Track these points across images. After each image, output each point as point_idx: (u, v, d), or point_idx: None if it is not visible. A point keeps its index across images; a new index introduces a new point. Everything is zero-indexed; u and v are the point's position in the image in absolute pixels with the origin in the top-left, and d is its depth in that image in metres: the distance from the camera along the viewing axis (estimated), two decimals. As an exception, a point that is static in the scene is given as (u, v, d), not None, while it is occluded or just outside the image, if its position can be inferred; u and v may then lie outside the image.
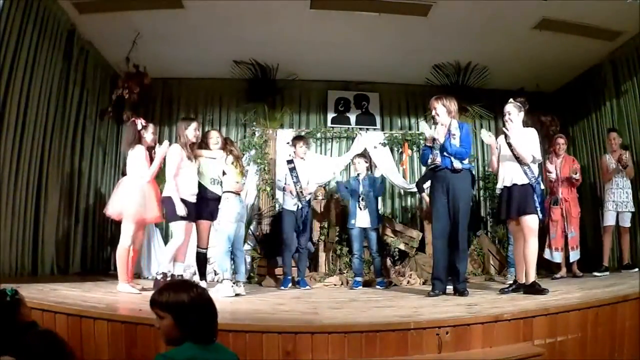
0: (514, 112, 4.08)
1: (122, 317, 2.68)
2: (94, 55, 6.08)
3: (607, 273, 5.22)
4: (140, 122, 4.32)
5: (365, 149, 6.79)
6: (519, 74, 6.75)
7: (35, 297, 3.05)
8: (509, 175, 4.03)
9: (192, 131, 4.32)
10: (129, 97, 6.17)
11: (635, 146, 5.78)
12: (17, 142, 4.56)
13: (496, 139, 4.24)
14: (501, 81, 7.08)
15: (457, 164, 4.05)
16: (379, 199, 5.96)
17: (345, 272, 5.91)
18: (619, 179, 5.50)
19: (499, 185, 4.16)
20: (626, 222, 5.47)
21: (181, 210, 4.11)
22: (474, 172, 4.80)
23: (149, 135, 4.32)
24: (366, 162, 5.71)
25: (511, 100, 4.15)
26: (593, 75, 6.68)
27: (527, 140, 4.00)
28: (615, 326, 3.00)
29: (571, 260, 5.50)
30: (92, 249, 6.21)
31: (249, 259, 5.89)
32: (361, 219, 5.35)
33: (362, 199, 5.37)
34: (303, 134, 6.54)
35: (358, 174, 5.52)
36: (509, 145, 4.02)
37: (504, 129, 4.08)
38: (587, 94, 6.85)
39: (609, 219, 5.52)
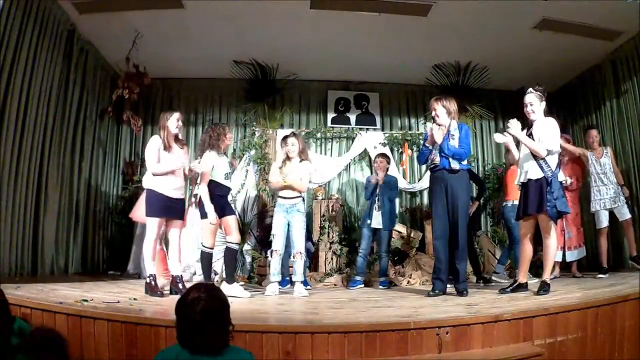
0: (535, 102, 3.92)
1: (122, 317, 2.68)
2: (94, 55, 6.08)
3: (607, 275, 5.17)
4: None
5: (365, 150, 6.76)
6: (519, 74, 6.74)
7: (35, 297, 3.05)
8: (524, 171, 3.92)
9: (174, 122, 4.13)
10: (129, 97, 6.18)
11: (635, 146, 5.79)
12: (17, 142, 4.56)
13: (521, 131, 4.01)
14: (501, 81, 7.10)
15: (454, 165, 4.05)
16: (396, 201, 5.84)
17: (345, 272, 5.91)
18: (602, 176, 5.37)
19: (516, 182, 4.08)
20: (625, 215, 5.27)
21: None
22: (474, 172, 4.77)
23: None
24: (388, 162, 5.55)
25: (531, 89, 3.96)
26: (593, 75, 6.69)
27: (544, 132, 3.83)
28: (615, 326, 2.99)
29: (568, 260, 5.49)
30: (92, 248, 6.21)
31: (249, 259, 5.88)
32: (376, 219, 5.30)
33: (378, 199, 5.31)
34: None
35: (371, 175, 5.37)
36: (511, 136, 3.95)
37: (508, 123, 3.99)
38: (587, 94, 6.85)
39: (602, 221, 5.37)
